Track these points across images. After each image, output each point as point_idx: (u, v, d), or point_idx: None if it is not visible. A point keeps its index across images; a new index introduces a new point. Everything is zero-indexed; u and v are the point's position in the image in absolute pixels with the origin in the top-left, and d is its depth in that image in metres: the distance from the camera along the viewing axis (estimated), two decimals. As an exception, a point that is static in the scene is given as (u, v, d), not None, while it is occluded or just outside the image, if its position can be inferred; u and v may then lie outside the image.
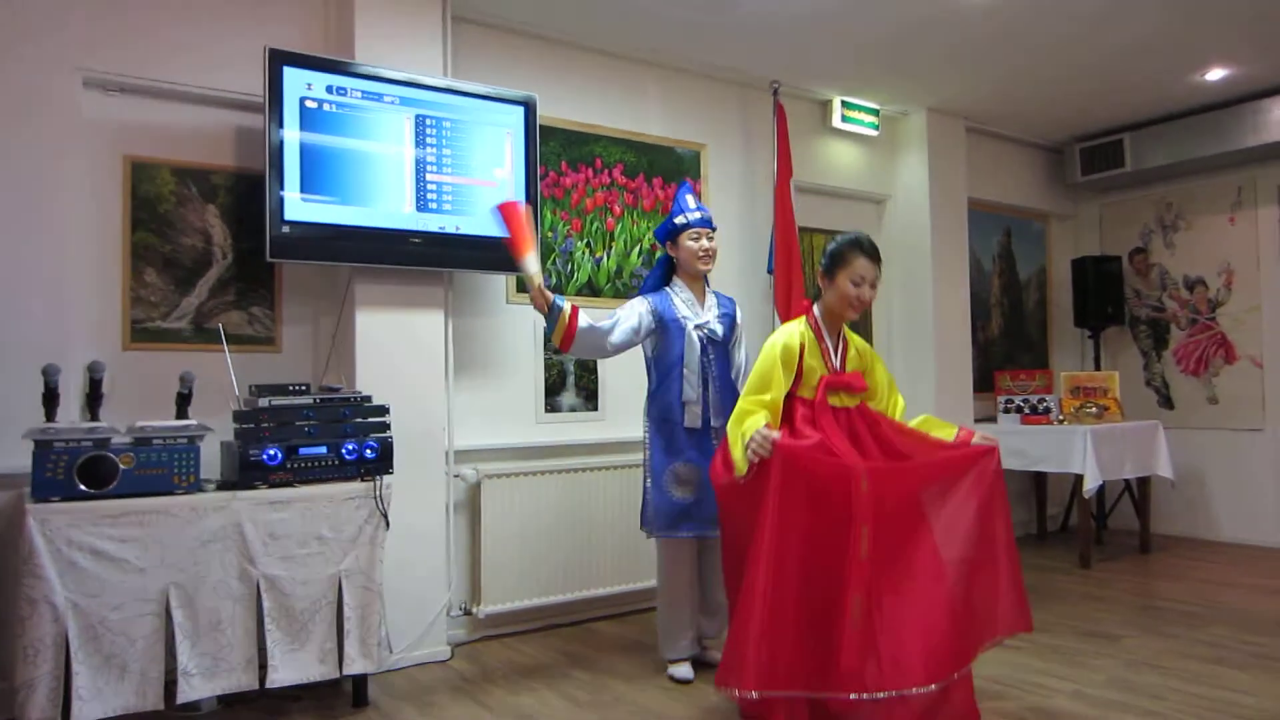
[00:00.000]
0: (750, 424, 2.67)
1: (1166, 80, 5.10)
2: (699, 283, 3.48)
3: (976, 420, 5.64)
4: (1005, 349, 6.34)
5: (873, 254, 2.87)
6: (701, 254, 3.40)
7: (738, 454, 2.66)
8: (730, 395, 3.47)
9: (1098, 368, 6.31)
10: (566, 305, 3.19)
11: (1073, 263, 6.34)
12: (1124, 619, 4.05)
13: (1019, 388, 5.76)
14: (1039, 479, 6.18)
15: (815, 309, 2.96)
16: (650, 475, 3.37)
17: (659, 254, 4.48)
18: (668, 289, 3.46)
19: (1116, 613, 4.16)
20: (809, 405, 2.82)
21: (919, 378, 5.46)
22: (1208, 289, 6.00)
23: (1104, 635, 3.79)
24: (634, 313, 3.35)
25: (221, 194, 3.49)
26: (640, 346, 3.44)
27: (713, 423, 3.35)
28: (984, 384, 5.95)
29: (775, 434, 2.58)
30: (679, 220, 3.43)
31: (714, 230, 3.47)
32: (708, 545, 3.40)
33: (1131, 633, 3.82)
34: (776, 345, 2.85)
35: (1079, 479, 5.10)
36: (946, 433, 2.87)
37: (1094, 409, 5.51)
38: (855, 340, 3.03)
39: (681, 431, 3.33)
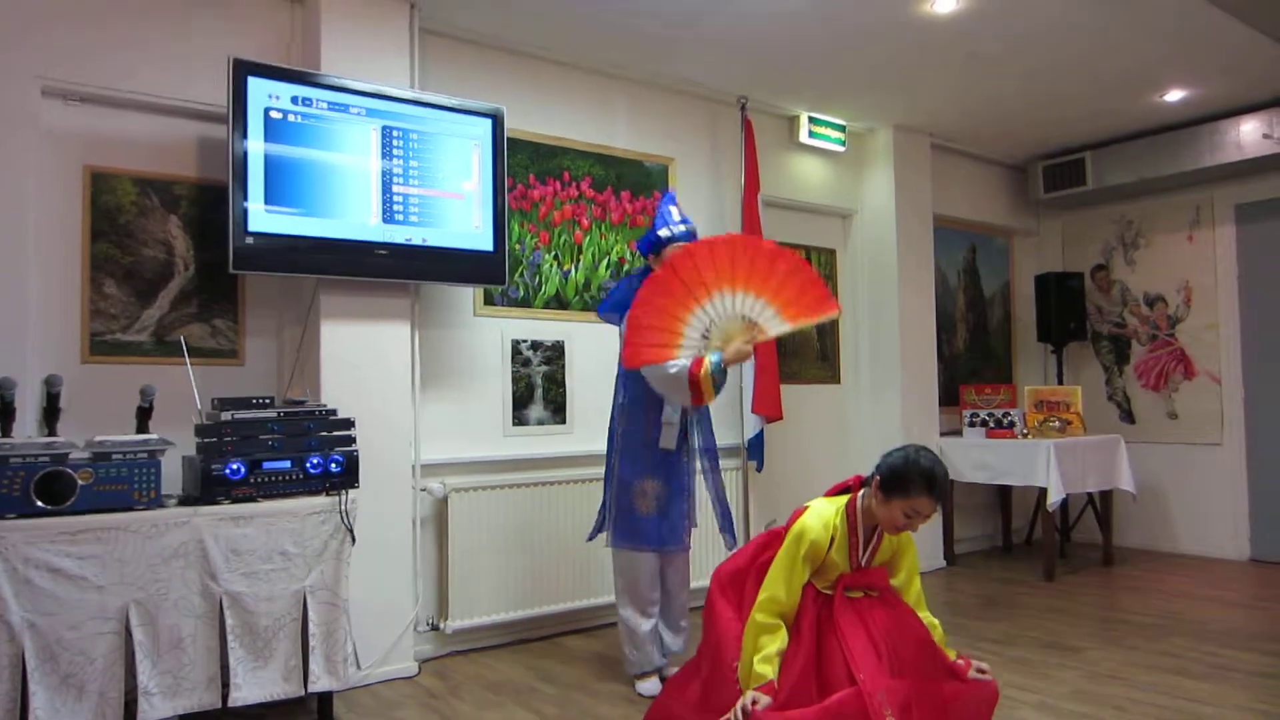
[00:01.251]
0: (763, 655, 2.46)
1: (1127, 101, 5.20)
2: None
3: (942, 434, 5.70)
4: (970, 363, 6.41)
5: (940, 494, 2.50)
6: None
7: (743, 678, 2.51)
8: (706, 415, 3.48)
9: (1060, 382, 6.40)
10: (712, 357, 3.07)
11: (1036, 279, 6.44)
12: (1087, 631, 4.09)
13: (984, 402, 5.82)
14: (1004, 492, 6.25)
15: (859, 501, 2.63)
16: (615, 486, 3.37)
17: (631, 265, 4.52)
18: (630, 285, 3.37)
19: (1080, 625, 4.21)
20: (821, 601, 2.61)
21: (885, 391, 5.50)
22: (1167, 305, 6.12)
23: (1067, 647, 3.83)
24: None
25: (184, 205, 3.45)
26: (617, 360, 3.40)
27: (689, 443, 3.37)
28: (949, 398, 6.01)
29: (765, 702, 2.42)
30: (663, 233, 3.34)
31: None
32: (669, 558, 3.40)
33: (1094, 644, 3.87)
34: (804, 542, 2.56)
35: (1043, 492, 5.16)
36: (947, 652, 2.72)
37: (1057, 423, 5.58)
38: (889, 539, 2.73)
39: (654, 450, 3.33)
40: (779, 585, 2.55)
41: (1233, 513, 5.76)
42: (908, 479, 2.48)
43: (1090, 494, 5.79)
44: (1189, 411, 5.99)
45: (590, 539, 3.59)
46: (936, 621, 2.70)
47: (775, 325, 3.04)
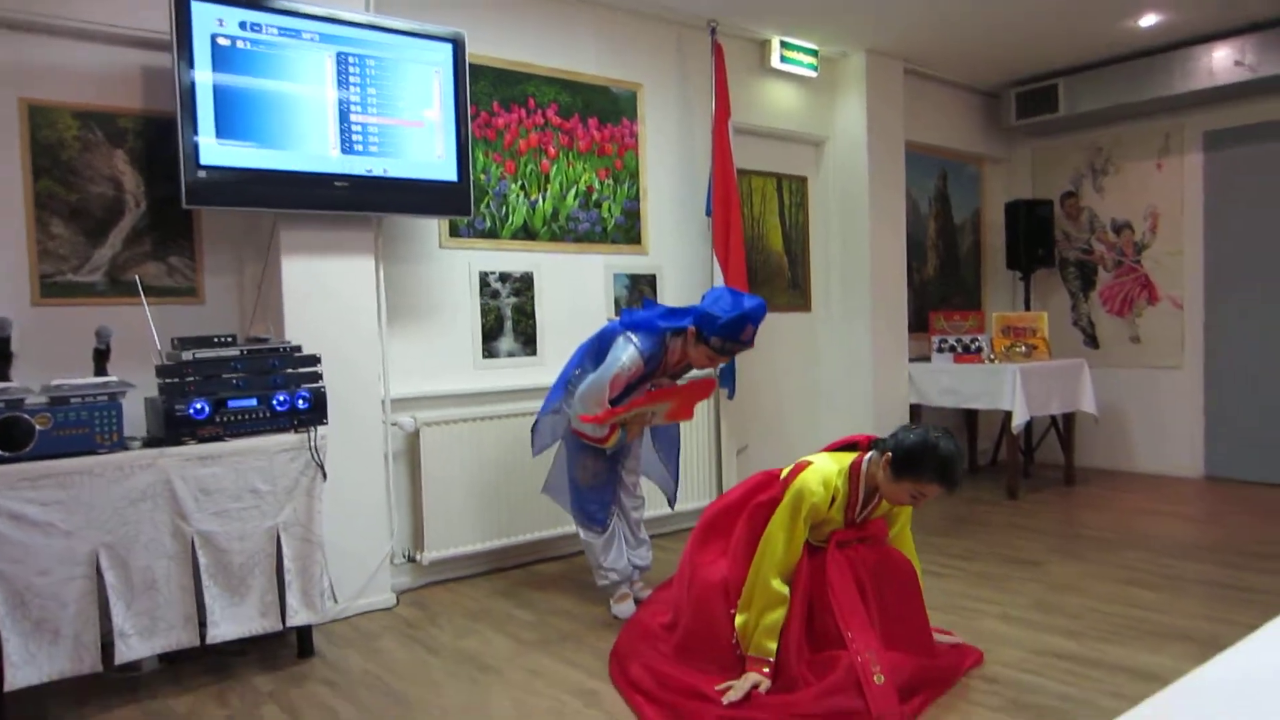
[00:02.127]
0: (768, 627, 2.49)
1: (1101, 25, 5.14)
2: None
3: (911, 360, 5.76)
4: (940, 290, 6.44)
5: (952, 484, 2.48)
6: (702, 365, 3.28)
7: (744, 639, 2.55)
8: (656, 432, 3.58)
9: (1028, 308, 6.46)
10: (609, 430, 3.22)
11: (1006, 206, 6.44)
12: (1048, 546, 4.21)
13: (952, 328, 5.87)
14: (970, 416, 6.35)
15: (864, 465, 2.60)
16: (566, 446, 3.46)
17: (600, 193, 4.45)
18: (665, 344, 3.22)
19: (1041, 541, 4.32)
20: (812, 550, 2.62)
21: (855, 319, 5.53)
22: (1134, 232, 6.16)
23: (1029, 562, 3.94)
24: (625, 376, 3.14)
25: (130, 138, 3.34)
26: (589, 352, 3.37)
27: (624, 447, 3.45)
28: (919, 324, 6.05)
29: (765, 686, 2.48)
30: (715, 341, 3.08)
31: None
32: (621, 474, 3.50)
33: (1054, 559, 3.98)
34: (805, 503, 2.52)
35: (1008, 415, 5.25)
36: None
37: (1023, 348, 5.65)
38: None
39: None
40: (780, 545, 2.53)
41: (1189, 432, 5.90)
42: (921, 464, 2.44)
43: (1054, 416, 5.90)
44: (1151, 336, 6.08)
45: (535, 454, 3.61)
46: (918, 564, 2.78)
47: (658, 419, 3.40)
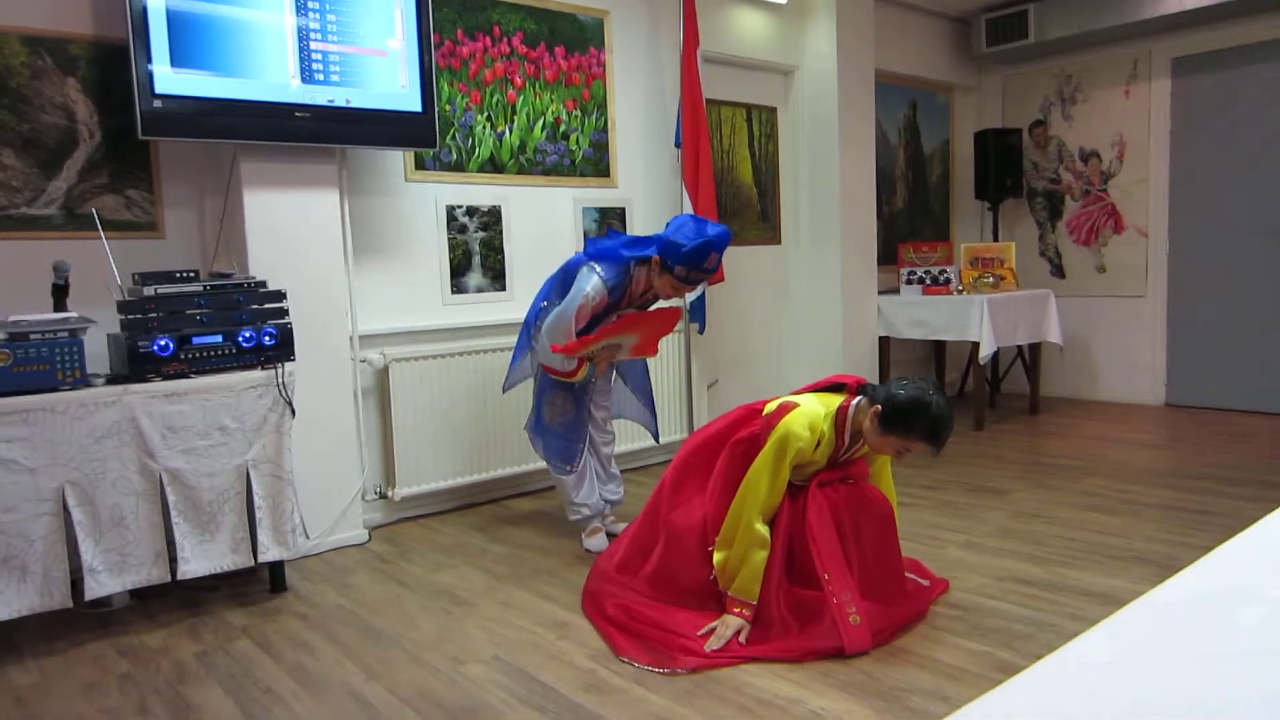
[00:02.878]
0: (752, 570, 2.49)
1: (1068, -54, 5.08)
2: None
3: (881, 292, 5.78)
4: (909, 222, 6.45)
5: (941, 445, 2.44)
6: (669, 296, 3.26)
7: (725, 579, 2.54)
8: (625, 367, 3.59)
9: (996, 239, 6.49)
10: (588, 370, 3.26)
11: (975, 135, 6.42)
12: (1012, 475, 4.30)
13: (921, 260, 5.89)
14: (938, 347, 6.42)
15: (851, 410, 2.56)
16: (536, 384, 3.46)
17: (567, 125, 4.38)
18: (630, 272, 3.19)
19: (1006, 469, 4.41)
20: (792, 495, 2.60)
21: (825, 251, 5.52)
22: (1101, 161, 6.17)
23: (993, 490, 4.03)
24: (589, 306, 3.12)
25: (82, 66, 3.22)
26: (555, 285, 3.33)
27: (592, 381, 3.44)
28: (888, 257, 6.07)
29: (746, 631, 2.49)
30: (679, 270, 3.06)
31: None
32: (592, 407, 3.51)
33: (1018, 487, 4.07)
34: (790, 448, 2.48)
35: (976, 346, 5.31)
36: None
37: (991, 279, 5.69)
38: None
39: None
40: (764, 488, 2.50)
41: (1151, 361, 6.01)
42: (912, 421, 2.41)
43: (1020, 347, 5.98)
44: (1116, 265, 6.15)
45: (505, 390, 3.66)
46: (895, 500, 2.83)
47: (623, 355, 3.39)
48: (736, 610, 2.51)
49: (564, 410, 3.37)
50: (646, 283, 3.22)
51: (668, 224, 3.16)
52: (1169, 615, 1.03)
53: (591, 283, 3.11)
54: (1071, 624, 2.53)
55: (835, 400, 2.59)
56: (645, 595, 2.71)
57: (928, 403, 2.39)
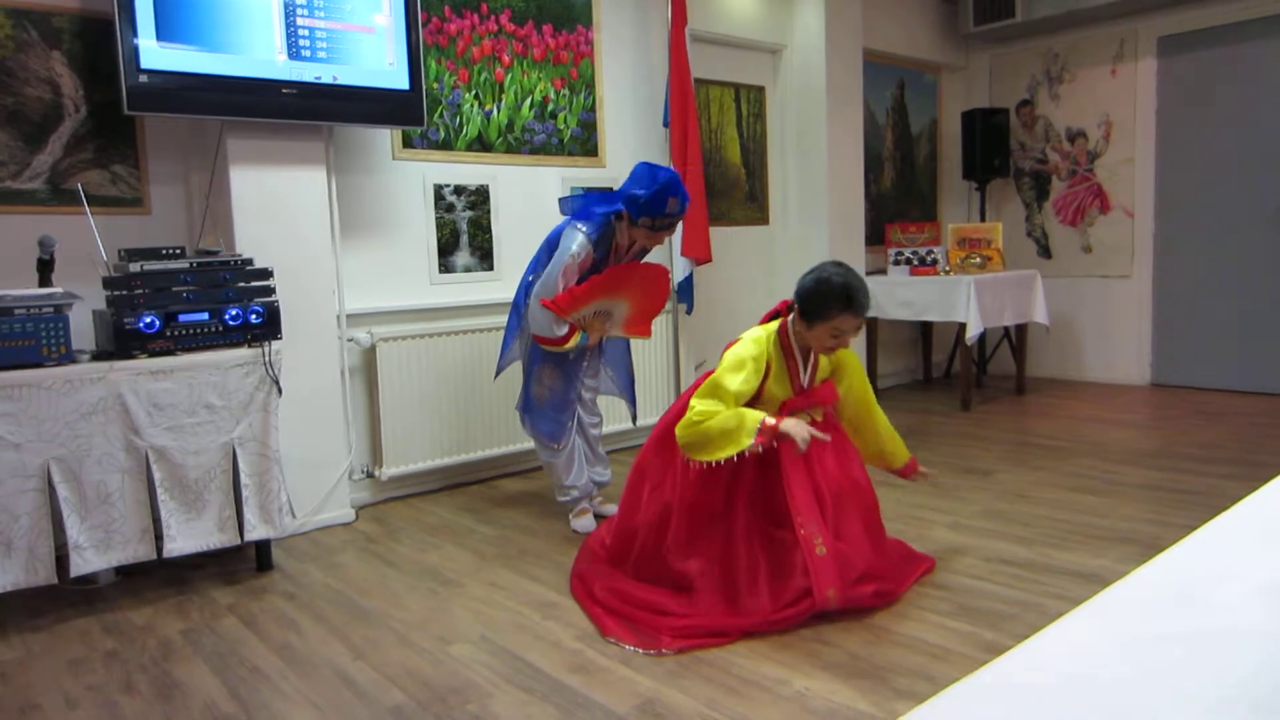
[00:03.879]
0: (748, 424, 2.41)
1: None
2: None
3: (869, 273, 5.79)
4: (897, 202, 6.45)
5: (861, 308, 2.49)
6: (646, 245, 3.27)
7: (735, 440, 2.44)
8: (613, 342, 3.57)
9: (983, 219, 6.51)
10: (580, 338, 3.21)
11: (963, 115, 6.42)
12: (998, 455, 4.33)
13: (908, 240, 5.90)
14: (925, 328, 6.45)
15: (789, 327, 2.62)
16: (526, 360, 3.42)
17: (555, 104, 4.35)
18: (612, 225, 3.21)
19: (992, 450, 4.44)
20: (764, 465, 2.59)
21: (813, 232, 5.52)
22: (1088, 141, 6.18)
23: (979, 471, 4.05)
24: (576, 264, 3.13)
25: (67, 39, 3.17)
26: (542, 257, 3.31)
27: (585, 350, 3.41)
28: (875, 237, 6.07)
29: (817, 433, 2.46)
30: (644, 220, 3.11)
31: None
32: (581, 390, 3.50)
33: (1004, 467, 4.10)
34: (744, 357, 2.53)
35: (963, 327, 5.33)
36: (900, 454, 2.93)
37: (978, 260, 5.70)
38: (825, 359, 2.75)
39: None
40: (727, 384, 2.47)
41: (1137, 341, 6.05)
42: (825, 301, 2.48)
43: (1007, 327, 6.00)
44: (1102, 245, 6.18)
45: (497, 376, 3.65)
46: (895, 433, 2.90)
47: (616, 330, 3.35)
48: (765, 431, 2.39)
49: (552, 388, 3.37)
50: (629, 237, 3.24)
51: (630, 173, 3.20)
52: (1152, 595, 1.04)
53: (576, 240, 3.13)
54: (1057, 604, 2.56)
55: (774, 324, 2.66)
56: (631, 578, 2.72)
57: (828, 277, 2.49)
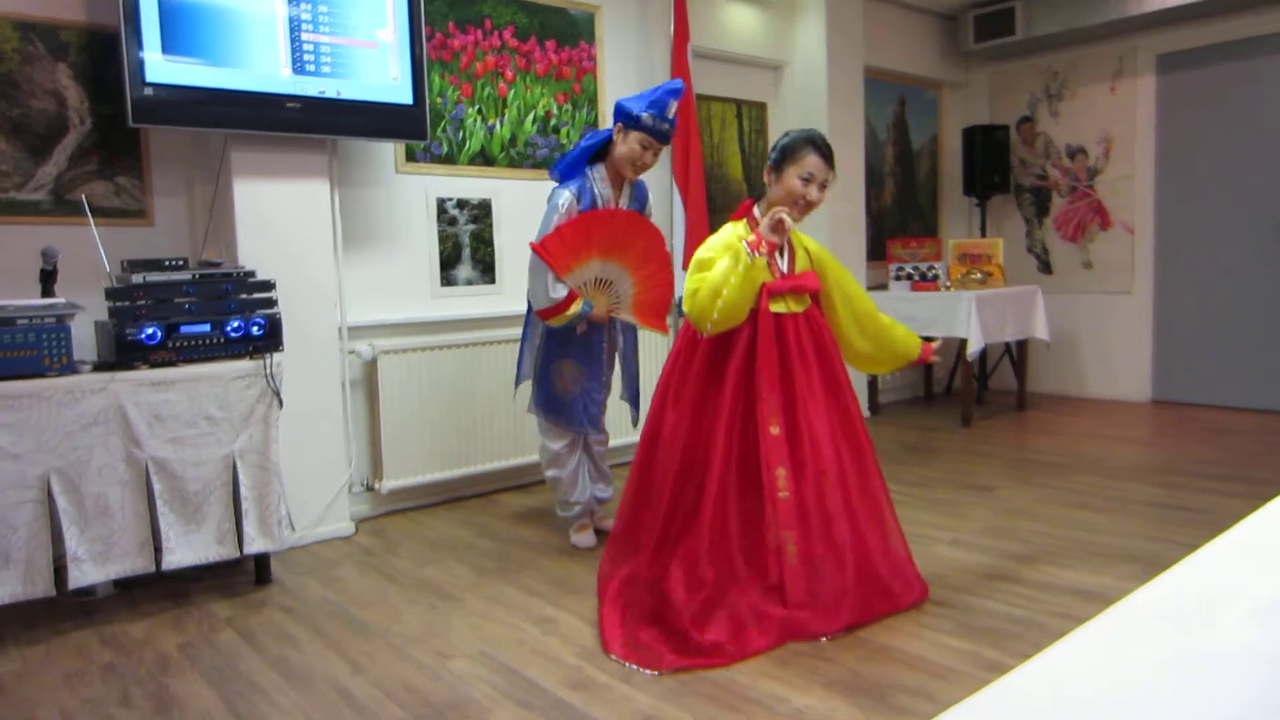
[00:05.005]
0: (738, 254, 2.49)
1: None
2: (621, 179, 3.29)
3: (869, 289, 5.79)
4: (898, 218, 6.46)
5: (826, 152, 2.64)
6: (638, 164, 3.21)
7: (723, 283, 2.49)
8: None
9: (984, 235, 6.52)
10: (583, 304, 3.16)
11: (963, 131, 6.44)
12: (999, 472, 4.32)
13: (909, 255, 5.91)
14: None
15: (757, 210, 2.71)
16: (539, 360, 3.34)
17: (558, 118, 4.37)
18: (590, 177, 3.23)
19: (993, 466, 4.44)
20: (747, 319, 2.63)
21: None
22: (1088, 157, 6.21)
23: (981, 487, 4.05)
24: (561, 218, 3.14)
25: (73, 52, 3.19)
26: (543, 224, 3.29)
27: (612, 330, 3.37)
28: (877, 252, 6.08)
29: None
30: (645, 117, 3.11)
31: (663, 146, 3.25)
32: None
33: (1005, 484, 4.09)
34: (715, 244, 2.63)
35: (964, 343, 5.33)
36: (912, 340, 2.93)
37: (979, 275, 5.71)
38: (804, 240, 2.81)
39: (573, 332, 3.27)
40: (703, 255, 2.59)
41: (1138, 357, 6.05)
42: (794, 145, 2.65)
43: (1007, 343, 6.01)
44: (1103, 261, 6.18)
45: (516, 389, 3.62)
46: (896, 322, 2.94)
47: (627, 314, 3.29)
48: (752, 245, 2.50)
49: (574, 379, 3.31)
50: (616, 169, 3.24)
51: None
52: (1154, 615, 1.04)
53: (560, 196, 3.18)
54: (1059, 622, 2.55)
55: (743, 221, 2.75)
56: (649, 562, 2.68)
57: (797, 131, 2.71)
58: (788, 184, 2.64)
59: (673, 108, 3.17)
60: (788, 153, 2.65)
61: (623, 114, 3.17)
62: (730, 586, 2.53)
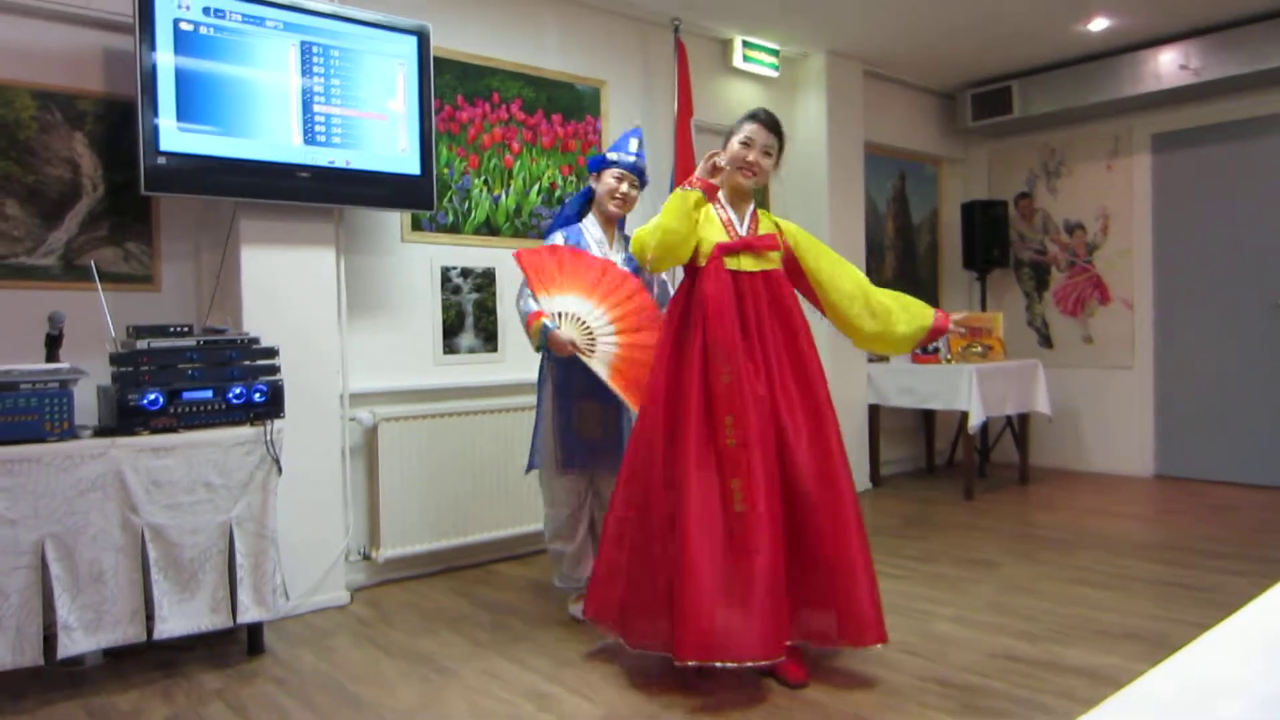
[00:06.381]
0: (681, 193, 2.70)
1: (1054, 29, 5.24)
2: (612, 225, 3.39)
3: (870, 360, 5.82)
4: (898, 290, 6.49)
5: (766, 121, 2.82)
6: (616, 196, 3.31)
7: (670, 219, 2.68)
8: None
9: (984, 308, 6.56)
10: (546, 322, 3.16)
11: (962, 206, 6.53)
12: (1002, 547, 4.28)
13: (910, 328, 5.93)
14: (928, 416, 6.44)
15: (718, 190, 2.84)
16: (555, 411, 3.30)
17: (563, 190, 4.45)
18: (581, 225, 3.38)
19: (995, 541, 4.39)
20: (700, 274, 2.74)
21: (814, 319, 5.54)
22: (1086, 233, 6.28)
23: (983, 562, 4.00)
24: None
25: (90, 121, 3.26)
26: None
27: None
28: (877, 324, 6.11)
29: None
30: (610, 155, 3.35)
31: (640, 180, 3.36)
32: (598, 483, 3.40)
33: (1008, 559, 4.04)
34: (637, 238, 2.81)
35: (965, 416, 5.33)
36: (924, 311, 2.96)
37: (979, 349, 5.73)
38: (780, 221, 2.92)
39: (584, 371, 3.28)
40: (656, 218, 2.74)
41: (1140, 432, 6.03)
42: (739, 121, 2.85)
43: (1009, 416, 6.00)
44: (1103, 336, 6.21)
45: (529, 471, 3.56)
46: (901, 294, 3.01)
47: (600, 366, 3.15)
48: (690, 182, 2.71)
49: (599, 420, 3.29)
50: (604, 220, 3.38)
51: None
52: (1159, 704, 1.02)
53: (551, 237, 3.35)
54: (1064, 704, 2.50)
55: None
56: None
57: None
58: (730, 150, 2.81)
59: (633, 143, 3.36)
60: (733, 130, 2.84)
61: (592, 163, 3.41)
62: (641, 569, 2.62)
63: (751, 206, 2.89)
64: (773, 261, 2.80)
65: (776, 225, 2.89)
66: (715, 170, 2.69)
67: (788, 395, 2.70)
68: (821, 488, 2.63)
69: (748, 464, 2.55)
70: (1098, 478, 6.05)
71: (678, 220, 2.66)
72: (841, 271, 2.94)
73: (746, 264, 2.75)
